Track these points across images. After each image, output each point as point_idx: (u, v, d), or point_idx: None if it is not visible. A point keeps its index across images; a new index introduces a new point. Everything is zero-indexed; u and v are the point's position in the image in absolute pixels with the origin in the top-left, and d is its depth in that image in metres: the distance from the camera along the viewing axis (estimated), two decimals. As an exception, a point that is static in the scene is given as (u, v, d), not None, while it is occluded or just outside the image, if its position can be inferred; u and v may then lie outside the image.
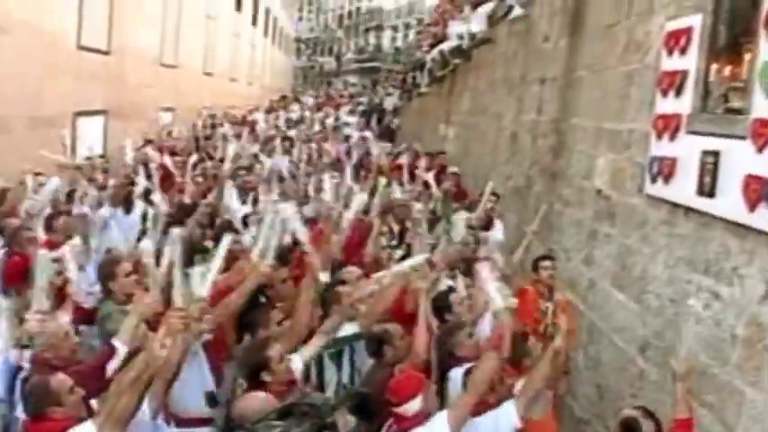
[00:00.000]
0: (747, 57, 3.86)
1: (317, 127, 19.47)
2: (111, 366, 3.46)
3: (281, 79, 42.74)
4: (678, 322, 4.30)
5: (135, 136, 11.09)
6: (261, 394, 3.22)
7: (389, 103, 30.87)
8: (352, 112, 27.02)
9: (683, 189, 4.38)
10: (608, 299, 5.53)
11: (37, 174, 7.41)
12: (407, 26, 44.28)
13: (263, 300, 4.60)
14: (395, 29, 49.89)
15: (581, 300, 6.06)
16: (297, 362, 3.87)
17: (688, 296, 4.21)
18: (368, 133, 19.36)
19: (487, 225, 7.72)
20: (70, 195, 7.31)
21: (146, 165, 8.31)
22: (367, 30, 56.56)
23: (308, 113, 22.93)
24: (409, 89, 28.11)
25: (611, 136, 5.87)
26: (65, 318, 4.00)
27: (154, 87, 15.29)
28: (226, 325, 4.31)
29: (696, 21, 4.36)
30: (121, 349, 3.55)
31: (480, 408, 3.56)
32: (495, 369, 3.48)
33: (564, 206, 7.04)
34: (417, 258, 4.53)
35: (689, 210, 4.34)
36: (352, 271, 5.02)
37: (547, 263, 5.71)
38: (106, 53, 12.67)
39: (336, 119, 22.44)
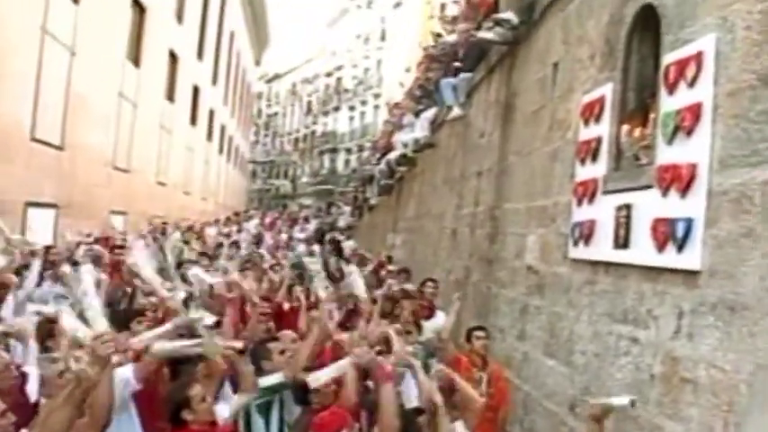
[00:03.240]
0: (652, 115, 4.18)
1: (270, 241, 19.76)
2: (31, 389, 3.50)
3: (235, 198, 43.20)
4: (602, 375, 4.35)
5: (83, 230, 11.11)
6: None
7: (342, 222, 31.47)
8: (303, 230, 27.38)
9: (601, 246, 4.57)
10: (540, 368, 5.56)
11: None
12: (361, 148, 45.64)
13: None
14: (349, 151, 51.33)
15: (516, 374, 6.07)
16: (223, 410, 3.86)
17: (610, 348, 4.32)
18: (315, 246, 19.62)
19: (429, 314, 7.80)
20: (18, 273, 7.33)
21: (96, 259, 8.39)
22: (322, 153, 58.04)
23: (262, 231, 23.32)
24: (360, 206, 28.77)
25: (539, 212, 6.11)
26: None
27: (106, 188, 15.36)
28: (159, 379, 4.26)
29: (608, 89, 4.72)
30: (32, 372, 3.57)
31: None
32: (393, 398, 3.50)
33: (499, 288, 7.17)
34: None
35: (608, 265, 4.50)
36: (287, 334, 5.10)
37: (480, 333, 5.73)
38: (59, 148, 12.80)
39: (290, 237, 22.78)
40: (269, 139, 70.38)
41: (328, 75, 56.99)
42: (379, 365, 3.75)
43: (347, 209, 33.93)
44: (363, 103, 49.64)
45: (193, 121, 26.33)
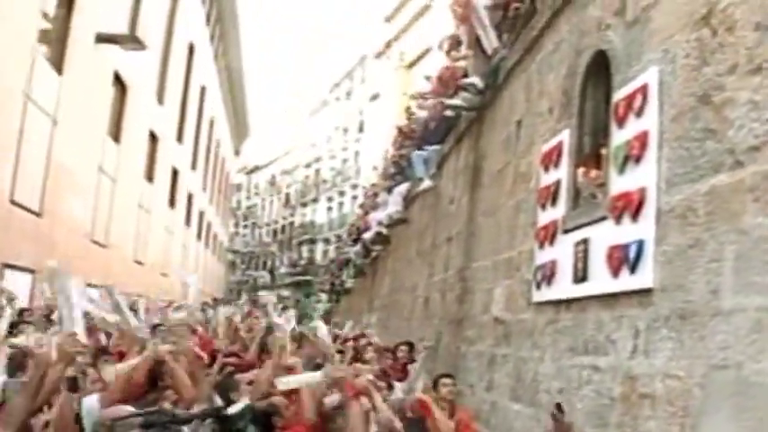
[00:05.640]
0: (604, 151, 4.38)
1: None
2: None
3: (213, 285, 42.69)
4: (566, 407, 4.35)
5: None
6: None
7: (320, 308, 31.38)
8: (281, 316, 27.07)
9: (562, 284, 4.67)
10: (507, 414, 5.53)
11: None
12: (339, 238, 45.84)
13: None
14: (327, 241, 51.43)
15: (484, 424, 5.99)
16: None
17: (573, 381, 4.34)
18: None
19: (402, 376, 7.75)
20: None
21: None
22: (300, 243, 58.10)
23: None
24: (337, 290, 28.72)
25: (505, 264, 6.22)
26: None
27: (83, 260, 15.21)
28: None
29: (565, 135, 4.95)
30: None
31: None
32: (358, 414, 3.50)
33: (468, 346, 7.18)
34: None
35: (569, 301, 4.59)
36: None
37: (447, 380, 5.68)
38: (38, 215, 12.77)
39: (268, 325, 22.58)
40: (248, 230, 70.48)
41: (307, 166, 57.88)
42: (347, 383, 3.74)
43: (324, 296, 33.85)
44: (341, 193, 50.23)
45: (172, 203, 26.39)
